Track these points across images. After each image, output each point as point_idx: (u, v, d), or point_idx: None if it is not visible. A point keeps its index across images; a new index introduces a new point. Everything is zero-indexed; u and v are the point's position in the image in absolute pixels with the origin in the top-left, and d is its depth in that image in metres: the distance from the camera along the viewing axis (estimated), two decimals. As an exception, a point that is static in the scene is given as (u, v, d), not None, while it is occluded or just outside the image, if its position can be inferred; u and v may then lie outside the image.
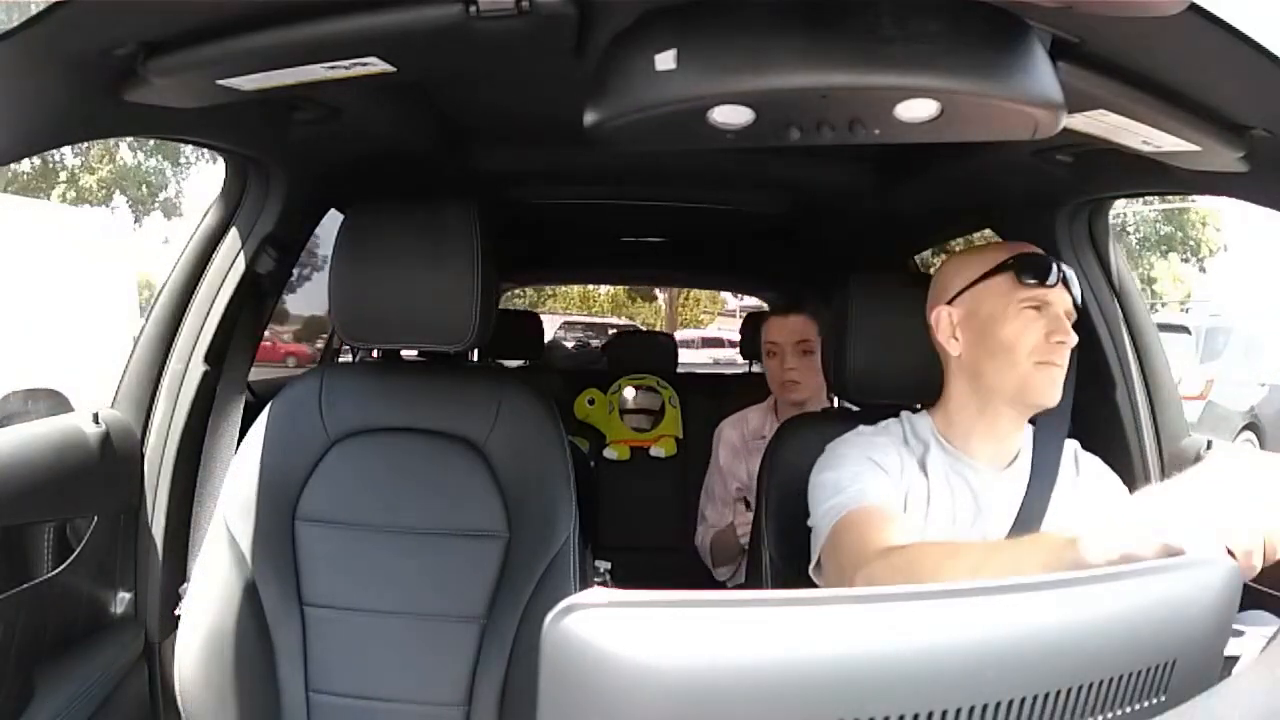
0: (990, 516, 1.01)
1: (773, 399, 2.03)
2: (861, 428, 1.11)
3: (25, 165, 13.66)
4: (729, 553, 1.92)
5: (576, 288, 12.54)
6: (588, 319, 10.27)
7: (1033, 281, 1.00)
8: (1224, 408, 7.01)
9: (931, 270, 1.20)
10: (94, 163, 14.08)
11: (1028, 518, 0.99)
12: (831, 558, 0.98)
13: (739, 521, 1.84)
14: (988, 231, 1.71)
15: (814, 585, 1.05)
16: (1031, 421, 1.08)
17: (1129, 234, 15.77)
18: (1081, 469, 1.08)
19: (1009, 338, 0.98)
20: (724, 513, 1.99)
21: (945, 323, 1.05)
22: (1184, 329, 7.50)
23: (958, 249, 1.42)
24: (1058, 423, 1.07)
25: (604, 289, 12.66)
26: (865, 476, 1.00)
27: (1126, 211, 14.48)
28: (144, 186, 15.33)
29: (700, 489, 2.11)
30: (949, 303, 1.06)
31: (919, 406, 1.15)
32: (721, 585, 1.99)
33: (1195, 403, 6.67)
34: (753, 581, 1.29)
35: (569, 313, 12.30)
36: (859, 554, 0.90)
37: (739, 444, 2.01)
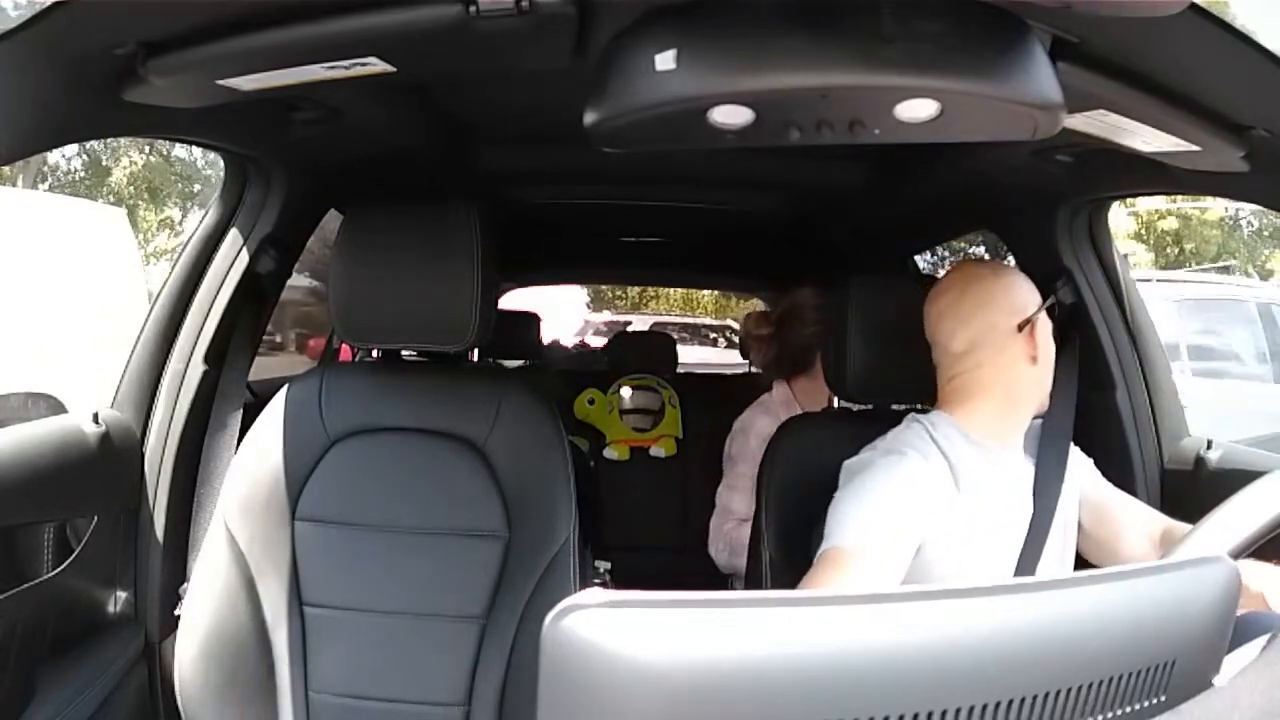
0: (1016, 489, 1.14)
1: (785, 387, 2.03)
2: (885, 446, 1.10)
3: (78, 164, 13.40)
4: None
5: (679, 291, 12.39)
6: (682, 320, 9.92)
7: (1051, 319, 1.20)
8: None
9: (939, 272, 1.22)
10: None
11: (1044, 490, 1.15)
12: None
13: None
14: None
15: None
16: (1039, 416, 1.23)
17: (1242, 226, 14.41)
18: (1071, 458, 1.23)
19: (1054, 354, 1.19)
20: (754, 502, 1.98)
21: (1034, 332, 1.15)
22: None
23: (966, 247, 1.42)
24: (1065, 415, 1.23)
25: (705, 293, 12.43)
26: (865, 513, 1.03)
27: (1241, 205, 13.61)
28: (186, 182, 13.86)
29: (700, 489, 2.09)
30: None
31: (919, 406, 1.15)
32: (726, 584, 1.99)
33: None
34: (752, 581, 1.29)
35: (670, 313, 11.78)
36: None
37: (771, 428, 2.00)
